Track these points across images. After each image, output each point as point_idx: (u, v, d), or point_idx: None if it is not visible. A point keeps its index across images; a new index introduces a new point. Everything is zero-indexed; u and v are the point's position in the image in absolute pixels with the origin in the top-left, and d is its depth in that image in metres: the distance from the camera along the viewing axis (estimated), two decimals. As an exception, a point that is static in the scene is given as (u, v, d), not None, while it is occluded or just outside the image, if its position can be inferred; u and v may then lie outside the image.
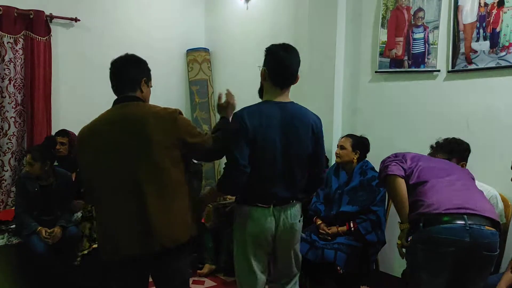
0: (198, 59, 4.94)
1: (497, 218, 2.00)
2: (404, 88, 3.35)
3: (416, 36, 3.21)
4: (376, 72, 3.46)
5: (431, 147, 2.60)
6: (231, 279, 3.67)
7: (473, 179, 2.31)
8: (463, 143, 2.57)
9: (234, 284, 3.56)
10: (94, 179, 1.89)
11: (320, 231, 2.99)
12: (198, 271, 3.76)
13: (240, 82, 4.68)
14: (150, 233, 1.81)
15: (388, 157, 2.32)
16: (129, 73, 1.98)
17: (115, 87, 1.99)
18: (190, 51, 4.97)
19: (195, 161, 4.24)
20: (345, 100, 3.68)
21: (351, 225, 2.92)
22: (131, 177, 1.82)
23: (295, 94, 4.10)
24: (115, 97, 1.98)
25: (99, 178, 1.87)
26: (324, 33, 3.68)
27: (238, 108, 2.34)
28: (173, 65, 4.98)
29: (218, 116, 4.58)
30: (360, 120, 3.61)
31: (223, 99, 2.29)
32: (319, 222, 3.06)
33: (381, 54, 3.42)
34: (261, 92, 2.28)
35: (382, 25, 3.41)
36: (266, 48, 2.20)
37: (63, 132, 3.91)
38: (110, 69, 1.99)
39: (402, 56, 3.30)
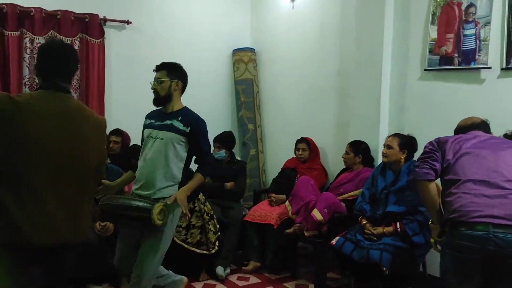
0: (244, 59, 5.00)
1: None
2: (454, 86, 3.25)
3: (467, 32, 3.11)
4: (425, 70, 3.37)
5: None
6: (276, 277, 3.71)
7: None
8: None
9: (278, 281, 3.61)
10: None
11: (366, 231, 2.97)
12: (243, 267, 3.82)
13: (286, 82, 4.71)
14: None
15: (425, 149, 2.24)
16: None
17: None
18: (236, 51, 5.05)
19: (239, 158, 4.31)
20: (392, 98, 3.61)
21: (398, 226, 2.87)
22: None
23: (341, 93, 4.11)
24: None
25: None
26: (371, 30, 3.63)
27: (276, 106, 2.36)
28: (220, 65, 5.07)
29: (263, 115, 4.69)
30: (407, 119, 3.54)
31: None
32: (364, 222, 3.03)
33: (431, 52, 3.33)
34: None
35: (432, 22, 3.32)
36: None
37: (117, 132, 4.10)
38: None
39: (452, 53, 3.20)
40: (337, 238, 3.00)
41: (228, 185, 4.02)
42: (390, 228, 2.90)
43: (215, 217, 3.62)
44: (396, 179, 3.01)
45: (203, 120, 2.67)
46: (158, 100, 2.67)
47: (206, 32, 4.91)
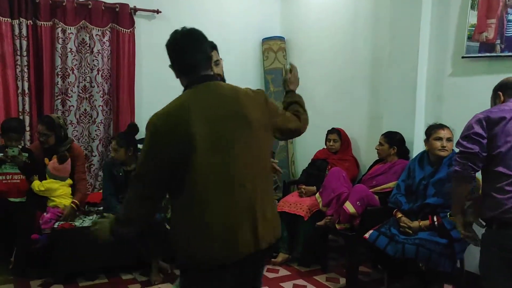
0: (273, 48, 4.92)
1: None
2: (495, 75, 3.07)
3: (511, 17, 2.94)
4: (463, 57, 3.21)
5: None
6: (305, 269, 3.65)
7: None
8: None
9: (308, 274, 3.56)
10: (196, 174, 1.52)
11: (401, 224, 2.87)
12: (272, 259, 3.78)
13: (316, 71, 4.61)
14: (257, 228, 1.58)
15: (469, 131, 1.99)
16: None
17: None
18: (265, 40, 4.97)
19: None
20: (428, 88, 3.47)
21: (435, 219, 2.76)
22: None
23: (374, 83, 3.98)
24: None
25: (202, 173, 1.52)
26: (407, 16, 3.48)
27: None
28: (249, 54, 5.02)
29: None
30: (445, 109, 3.39)
31: (288, 74, 2.16)
32: (399, 215, 2.94)
33: (470, 38, 3.17)
34: None
35: (472, 7, 3.15)
36: None
37: None
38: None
39: (494, 40, 3.03)
40: (371, 231, 2.91)
41: None
42: (427, 222, 2.79)
43: None
44: (435, 171, 2.89)
45: None
46: None
47: (235, 21, 4.86)
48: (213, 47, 2.42)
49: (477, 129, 1.95)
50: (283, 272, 3.63)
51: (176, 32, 1.66)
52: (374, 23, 3.95)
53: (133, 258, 3.52)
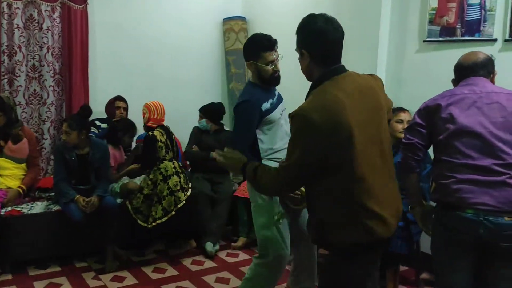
0: (234, 28, 4.80)
1: None
2: (455, 58, 3.09)
3: (471, 1, 2.95)
4: (424, 41, 3.22)
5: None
6: (266, 253, 3.63)
7: None
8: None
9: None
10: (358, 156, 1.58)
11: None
12: (232, 244, 3.74)
13: (279, 51, 4.52)
14: (399, 211, 1.78)
15: (411, 123, 2.10)
16: None
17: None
18: (226, 20, 4.83)
19: (228, 129, 4.16)
20: (389, 70, 3.47)
21: (393, 203, 2.77)
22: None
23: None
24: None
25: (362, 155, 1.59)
26: (368, 1, 3.45)
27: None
28: (209, 34, 4.87)
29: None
30: (405, 92, 3.40)
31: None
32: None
33: (431, 22, 3.17)
34: None
35: (433, -10, 3.16)
36: None
37: (122, 98, 4.03)
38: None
39: (455, 24, 3.05)
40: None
41: (214, 154, 3.87)
42: (385, 205, 2.80)
43: (177, 196, 3.35)
44: (394, 153, 2.89)
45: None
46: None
47: (195, 0, 4.69)
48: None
49: (417, 119, 2.03)
50: (243, 256, 3.60)
51: (321, 17, 1.68)
52: (337, 4, 3.89)
53: (88, 245, 3.40)
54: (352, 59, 3.55)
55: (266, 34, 2.48)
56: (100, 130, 3.83)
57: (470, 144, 1.87)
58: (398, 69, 3.43)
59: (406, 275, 3.20)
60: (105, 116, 4.03)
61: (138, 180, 3.56)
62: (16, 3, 3.80)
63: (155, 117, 3.42)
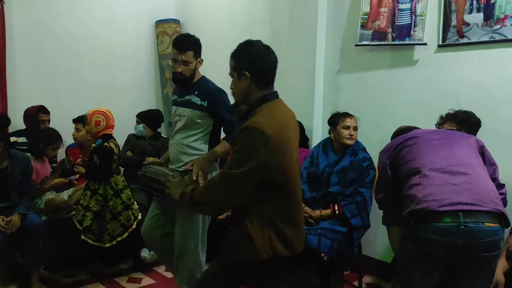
0: (168, 31, 4.62)
1: (502, 208, 1.78)
2: (388, 63, 3.16)
3: (402, 6, 3.01)
4: (356, 45, 3.25)
5: (441, 117, 2.45)
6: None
7: (482, 147, 2.05)
8: (474, 116, 2.43)
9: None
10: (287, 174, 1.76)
11: (304, 214, 2.82)
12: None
13: (214, 54, 4.39)
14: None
15: (378, 176, 2.24)
16: None
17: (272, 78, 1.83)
18: (159, 23, 4.64)
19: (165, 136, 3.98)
20: (326, 76, 3.47)
21: (336, 208, 2.76)
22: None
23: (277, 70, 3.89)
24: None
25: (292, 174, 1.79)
26: (304, 4, 3.44)
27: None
28: (141, 37, 4.65)
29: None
30: (343, 97, 3.42)
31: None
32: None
33: (363, 26, 3.21)
34: None
35: (365, -6, 3.19)
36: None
37: (45, 109, 3.65)
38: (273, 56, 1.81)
39: (386, 28, 3.10)
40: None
41: (150, 159, 3.69)
42: (328, 211, 2.78)
43: (133, 209, 3.19)
44: (339, 159, 2.89)
45: (220, 90, 2.53)
46: (183, 82, 2.50)
47: (124, 3, 4.46)
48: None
49: (381, 167, 2.15)
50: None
51: (259, 43, 1.79)
52: (273, 7, 3.84)
53: (10, 269, 3.07)
54: (291, 63, 3.55)
55: (185, 34, 2.53)
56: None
57: (431, 153, 1.95)
58: (334, 74, 3.45)
59: (350, 279, 3.21)
60: (23, 126, 3.66)
61: (65, 195, 3.28)
62: None
63: (112, 124, 3.15)
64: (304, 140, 3.42)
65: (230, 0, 4.20)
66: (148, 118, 3.94)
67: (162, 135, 4.13)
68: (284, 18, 3.65)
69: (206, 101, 2.46)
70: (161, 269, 3.43)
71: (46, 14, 4.01)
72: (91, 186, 3.10)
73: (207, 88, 2.51)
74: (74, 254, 3.25)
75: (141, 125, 3.92)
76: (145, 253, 3.42)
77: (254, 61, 1.75)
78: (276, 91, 1.82)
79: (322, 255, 2.59)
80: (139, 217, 3.17)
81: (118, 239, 3.07)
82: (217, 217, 3.32)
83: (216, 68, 4.33)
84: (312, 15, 3.39)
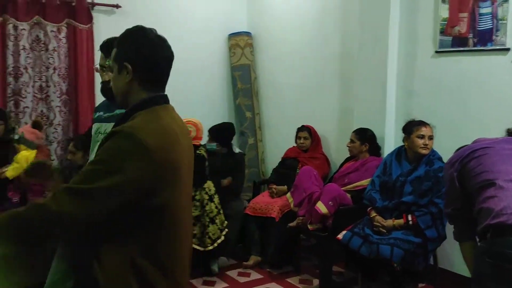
0: (240, 44, 4.78)
1: None
2: (468, 69, 3.05)
3: (483, 11, 2.90)
4: (436, 52, 3.16)
5: (508, 131, 2.33)
6: (278, 272, 3.55)
7: None
8: None
9: (280, 276, 3.45)
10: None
11: (375, 223, 2.80)
12: (244, 262, 3.65)
13: (285, 66, 4.50)
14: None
15: (445, 191, 2.08)
16: None
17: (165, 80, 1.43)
18: (232, 36, 4.82)
19: (237, 150, 4.08)
20: (399, 82, 3.41)
21: (409, 218, 2.70)
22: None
23: (343, 77, 3.91)
24: (167, 88, 1.42)
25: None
26: (376, 8, 3.40)
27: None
28: (215, 51, 4.85)
29: (261, 102, 4.42)
30: (416, 104, 3.34)
31: None
32: (373, 214, 2.87)
33: (442, 32, 3.12)
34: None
35: (443, 0, 3.11)
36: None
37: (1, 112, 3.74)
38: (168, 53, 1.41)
39: (467, 34, 3.00)
40: (344, 232, 2.83)
41: (225, 181, 3.78)
42: (401, 221, 2.73)
43: (223, 214, 3.43)
44: (413, 168, 2.83)
45: None
46: (112, 94, 2.07)
47: (200, 17, 4.68)
48: None
49: (449, 181, 1.99)
50: (255, 275, 3.51)
51: (152, 31, 1.40)
52: (343, 16, 3.86)
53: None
54: (362, 72, 3.54)
55: (111, 37, 2.00)
56: None
57: (504, 163, 1.82)
58: (409, 80, 3.38)
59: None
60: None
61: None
62: (22, 24, 3.80)
63: (200, 136, 3.38)
64: (375, 149, 3.38)
65: (300, 11, 4.27)
66: (219, 132, 3.89)
67: (235, 149, 4.03)
68: (355, 26, 3.65)
69: None
70: (233, 273, 3.53)
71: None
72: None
73: None
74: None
75: (214, 144, 3.82)
76: (214, 266, 3.49)
77: (141, 52, 1.33)
78: (166, 95, 1.40)
79: (395, 265, 2.55)
80: (226, 223, 3.42)
81: (218, 241, 3.30)
82: (288, 224, 3.38)
83: (286, 77, 4.46)
84: (383, 22, 3.35)
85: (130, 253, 1.25)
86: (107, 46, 2.06)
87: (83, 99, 4.05)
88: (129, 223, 1.25)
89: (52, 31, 3.92)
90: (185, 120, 3.27)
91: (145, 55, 1.33)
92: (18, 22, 3.78)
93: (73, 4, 3.95)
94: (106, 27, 4.20)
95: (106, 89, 2.07)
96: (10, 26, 3.77)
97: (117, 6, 4.17)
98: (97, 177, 1.19)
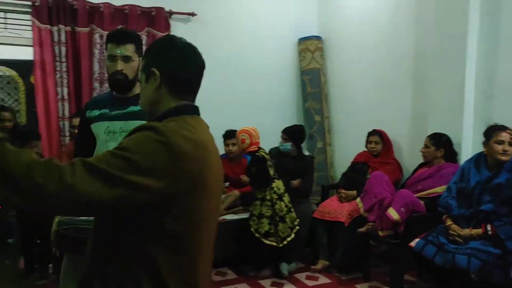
0: (310, 48, 4.79)
1: None
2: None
3: None
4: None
5: None
6: (346, 277, 3.51)
7: None
8: None
9: (349, 282, 3.41)
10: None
11: (451, 232, 2.69)
12: (312, 266, 3.65)
13: (356, 69, 4.45)
14: None
15: None
16: None
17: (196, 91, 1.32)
18: (302, 40, 4.85)
19: (307, 153, 4.10)
20: (478, 85, 3.24)
21: (488, 228, 2.57)
22: None
23: (417, 80, 3.78)
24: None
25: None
26: (454, 7, 3.26)
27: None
28: (285, 55, 4.90)
29: (330, 106, 4.40)
30: (497, 107, 3.16)
31: None
32: (449, 222, 2.76)
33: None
34: None
35: (528, -3, 2.93)
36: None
37: (6, 107, 3.90)
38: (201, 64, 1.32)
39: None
40: (417, 240, 2.74)
41: (294, 183, 3.83)
42: (479, 230, 2.60)
43: (292, 211, 3.51)
44: (493, 176, 2.69)
45: None
46: (123, 86, 1.96)
47: (271, 22, 4.77)
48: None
49: None
50: (323, 279, 3.50)
51: (182, 39, 1.32)
52: (417, 15, 3.74)
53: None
54: (438, 74, 3.42)
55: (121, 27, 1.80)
56: None
57: None
58: (488, 83, 3.20)
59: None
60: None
61: None
62: (107, 33, 4.09)
63: (256, 141, 3.52)
64: (451, 154, 3.24)
65: (372, 13, 4.21)
66: (295, 133, 3.95)
67: (304, 152, 4.07)
68: (430, 27, 3.53)
69: None
70: (301, 276, 3.55)
71: (201, 39, 4.43)
72: (258, 195, 3.45)
73: None
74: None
75: (289, 143, 3.88)
76: (284, 269, 3.53)
77: (168, 56, 1.25)
78: (197, 106, 1.29)
79: (472, 276, 2.43)
80: (297, 221, 3.49)
81: (288, 239, 3.38)
82: (358, 229, 3.33)
83: (357, 80, 4.40)
84: (461, 20, 3.20)
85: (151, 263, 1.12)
86: (117, 34, 1.98)
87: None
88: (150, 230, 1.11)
89: (133, 39, 4.18)
90: (240, 129, 3.45)
91: (172, 60, 1.25)
92: (104, 32, 4.08)
93: (153, 13, 4.19)
94: (183, 34, 4.37)
95: (115, 80, 1.92)
96: (96, 35, 4.07)
97: (193, 14, 4.36)
98: (125, 168, 1.03)
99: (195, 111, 1.27)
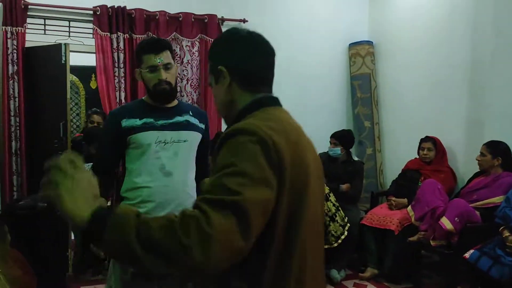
0: (361, 53, 4.75)
1: None
2: None
3: None
4: None
5: None
6: (395, 286, 3.44)
7: None
8: None
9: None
10: None
11: (508, 244, 2.58)
12: (360, 274, 3.61)
13: (408, 75, 4.36)
14: None
15: None
16: None
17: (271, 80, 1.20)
18: (352, 45, 4.81)
19: (356, 159, 4.07)
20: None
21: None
22: None
23: (473, 86, 3.66)
24: (278, 92, 1.18)
25: None
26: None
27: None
28: (335, 60, 4.88)
29: (381, 112, 4.37)
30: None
31: None
32: (506, 233, 2.65)
33: None
34: None
35: None
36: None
37: (98, 111, 4.26)
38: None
39: None
40: (472, 251, 2.66)
41: (344, 187, 3.81)
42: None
43: (341, 210, 3.52)
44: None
45: None
46: (169, 94, 1.90)
47: (322, 27, 4.78)
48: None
49: None
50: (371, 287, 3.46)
51: (236, 28, 1.19)
52: (474, 20, 3.62)
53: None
54: (496, 79, 3.31)
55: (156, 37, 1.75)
56: None
57: None
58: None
59: None
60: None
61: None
62: (162, 40, 4.25)
63: None
64: (510, 163, 3.11)
65: (425, 17, 4.11)
66: (344, 138, 3.93)
67: (354, 157, 4.05)
68: (488, 30, 3.41)
69: (204, 125, 1.99)
70: (349, 284, 3.51)
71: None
72: None
73: (201, 110, 2.09)
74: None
75: (339, 148, 3.88)
76: (335, 274, 3.51)
77: (233, 49, 1.14)
78: (276, 97, 1.17)
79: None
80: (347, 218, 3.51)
81: (342, 237, 3.41)
82: (409, 238, 3.27)
83: (409, 85, 4.30)
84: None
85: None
86: (152, 43, 1.92)
87: (211, 108, 4.38)
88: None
89: (186, 45, 4.32)
90: None
91: (237, 52, 1.13)
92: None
93: (206, 20, 4.31)
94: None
95: (161, 89, 1.85)
96: (152, 43, 4.23)
97: (244, 21, 4.45)
98: (241, 185, 0.89)
99: (276, 102, 1.16)
